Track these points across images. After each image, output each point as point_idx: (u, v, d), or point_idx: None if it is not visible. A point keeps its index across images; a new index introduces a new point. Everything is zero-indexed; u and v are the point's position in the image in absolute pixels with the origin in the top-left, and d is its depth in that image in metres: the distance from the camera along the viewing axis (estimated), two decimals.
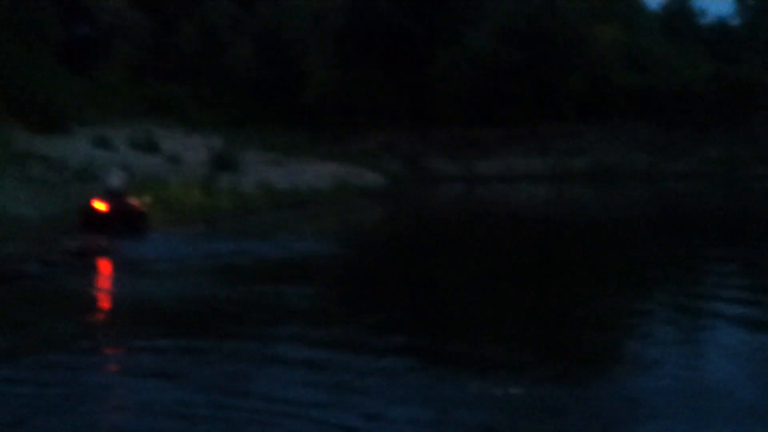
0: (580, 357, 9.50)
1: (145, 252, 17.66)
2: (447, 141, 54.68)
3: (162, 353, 9.67)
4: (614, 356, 9.67)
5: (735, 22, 75.86)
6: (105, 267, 16.20)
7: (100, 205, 18.67)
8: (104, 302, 13.39)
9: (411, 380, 8.33)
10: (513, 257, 17.90)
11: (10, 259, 15.60)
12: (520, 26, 58.43)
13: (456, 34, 59.50)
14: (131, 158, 29.68)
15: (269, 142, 39.77)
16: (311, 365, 8.86)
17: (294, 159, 37.60)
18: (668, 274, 15.10)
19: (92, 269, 15.68)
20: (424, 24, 65.62)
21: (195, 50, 65.44)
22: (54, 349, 9.64)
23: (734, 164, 48.51)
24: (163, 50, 66.08)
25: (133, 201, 19.69)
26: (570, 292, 13.94)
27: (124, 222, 18.64)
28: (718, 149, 50.95)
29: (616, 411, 7.43)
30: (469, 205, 35.63)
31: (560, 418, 7.22)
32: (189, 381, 8.48)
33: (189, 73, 62.01)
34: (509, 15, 59.10)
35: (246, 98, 59.71)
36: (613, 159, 51.57)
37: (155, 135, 35.12)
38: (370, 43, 62.38)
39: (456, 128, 55.38)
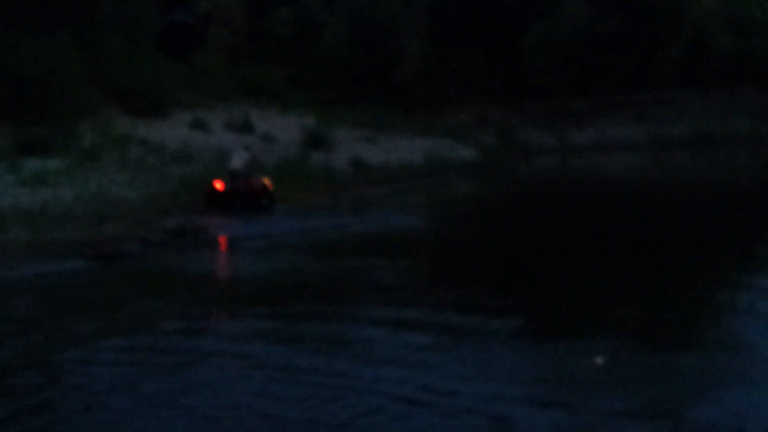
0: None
1: (243, 230, 18.29)
2: (541, 113, 53.98)
3: (261, 320, 10.25)
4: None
5: None
6: (203, 245, 16.73)
7: (218, 185, 20.00)
8: (203, 278, 13.88)
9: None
10: (604, 231, 17.74)
11: (110, 239, 16.37)
12: None
13: (550, 4, 58.55)
14: (226, 139, 30.43)
15: (361, 119, 40.09)
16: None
17: (386, 135, 37.84)
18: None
19: (190, 248, 16.27)
20: None
21: (289, 33, 66.27)
22: (159, 323, 10.24)
23: None
24: (258, 34, 67.16)
25: (257, 180, 20.64)
26: (663, 268, 13.77)
27: (246, 200, 19.81)
28: None
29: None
30: (561, 177, 35.25)
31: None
32: (294, 343, 9.02)
33: (283, 55, 62.84)
34: None
35: (339, 78, 60.14)
36: (714, 125, 50.04)
37: (250, 116, 35.90)
38: (462, 18, 61.94)
39: (550, 100, 54.65)
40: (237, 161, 20.88)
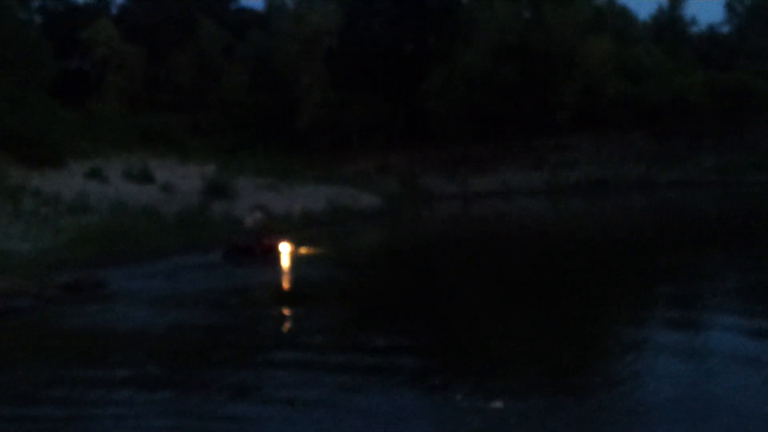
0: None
1: (137, 286, 17.74)
2: (442, 159, 54.71)
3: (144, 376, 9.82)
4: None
5: (725, 29, 76.10)
6: (99, 300, 16.12)
7: (235, 242, 21.90)
8: (95, 334, 13.32)
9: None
10: (505, 276, 17.83)
11: (2, 294, 15.63)
12: (511, 42, 58.57)
13: (448, 52, 59.62)
14: (125, 189, 29.74)
15: (263, 167, 39.80)
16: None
17: (288, 183, 37.61)
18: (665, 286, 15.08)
19: (86, 302, 15.67)
20: (416, 43, 65.90)
21: (188, 80, 65.71)
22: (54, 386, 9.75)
23: (728, 171, 48.42)
24: (156, 81, 66.36)
25: (267, 238, 22.37)
26: (554, 309, 13.87)
27: (256, 255, 21.39)
28: (712, 157, 50.88)
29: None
30: (464, 223, 35.57)
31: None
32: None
33: (183, 102, 62.23)
34: (501, 32, 59.23)
35: (241, 125, 59.80)
36: (608, 170, 51.58)
37: (149, 166, 35.19)
38: (362, 65, 62.59)
39: (450, 146, 55.46)
40: (249, 221, 22.94)
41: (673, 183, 48.53)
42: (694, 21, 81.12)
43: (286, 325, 13.10)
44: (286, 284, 18.07)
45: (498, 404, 8.19)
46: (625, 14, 69.81)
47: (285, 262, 21.29)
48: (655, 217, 32.70)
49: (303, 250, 22.94)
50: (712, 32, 76.02)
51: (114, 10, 76.37)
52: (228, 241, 22.24)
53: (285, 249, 22.60)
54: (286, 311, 14.52)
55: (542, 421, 7.73)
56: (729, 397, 8.09)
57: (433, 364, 10.22)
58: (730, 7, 74.65)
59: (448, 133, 56.49)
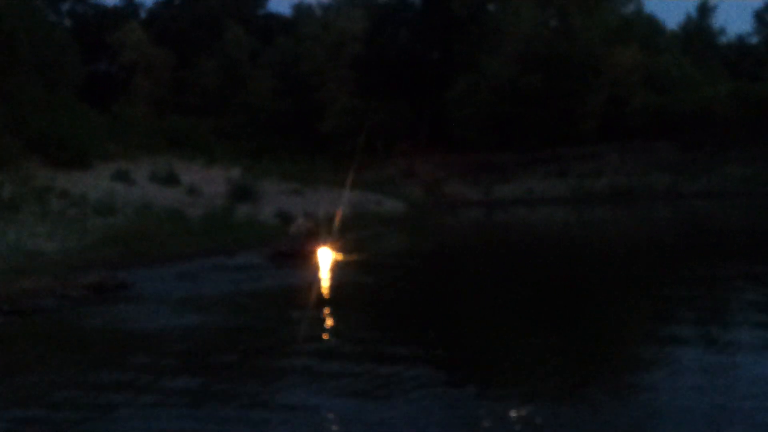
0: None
1: (161, 287, 17.85)
2: (466, 166, 54.67)
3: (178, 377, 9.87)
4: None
5: (753, 40, 75.60)
6: (123, 300, 16.23)
7: (281, 248, 22.96)
8: (118, 335, 13.42)
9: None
10: (528, 285, 17.77)
11: (28, 293, 15.79)
12: (537, 51, 58.47)
13: (474, 60, 59.60)
14: (151, 191, 29.95)
15: (288, 171, 39.98)
16: None
17: (312, 188, 37.72)
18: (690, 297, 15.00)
19: (110, 303, 15.78)
20: (441, 51, 65.93)
21: (215, 84, 66.15)
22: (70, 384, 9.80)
23: (755, 182, 48.01)
24: (183, 85, 66.87)
25: (309, 244, 23.16)
26: (570, 320, 13.84)
27: (299, 260, 22.17)
28: (738, 167, 50.46)
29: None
30: (486, 231, 35.45)
31: None
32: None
33: (209, 106, 62.68)
34: (527, 40, 59.15)
35: (266, 130, 60.16)
36: (634, 180, 51.31)
37: (175, 168, 35.44)
38: (388, 71, 62.73)
39: (475, 153, 55.45)
40: (294, 228, 24.01)
41: (698, 193, 48.18)
42: (722, 31, 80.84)
43: (303, 330, 13.08)
44: (312, 288, 18.08)
45: (514, 412, 8.19)
46: (652, 23, 69.60)
47: (323, 266, 21.37)
48: (680, 228, 32.45)
49: (340, 256, 23.14)
50: (740, 43, 75.55)
51: (143, 14, 77.14)
52: (273, 246, 23.28)
53: (324, 254, 23.09)
54: (307, 315, 14.52)
55: (557, 429, 7.72)
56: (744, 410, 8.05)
57: (449, 373, 10.17)
58: (759, 18, 74.19)
59: (473, 141, 56.51)
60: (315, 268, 20.98)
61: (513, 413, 8.17)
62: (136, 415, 8.60)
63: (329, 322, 13.88)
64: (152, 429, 8.22)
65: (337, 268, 21.12)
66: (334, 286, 18.34)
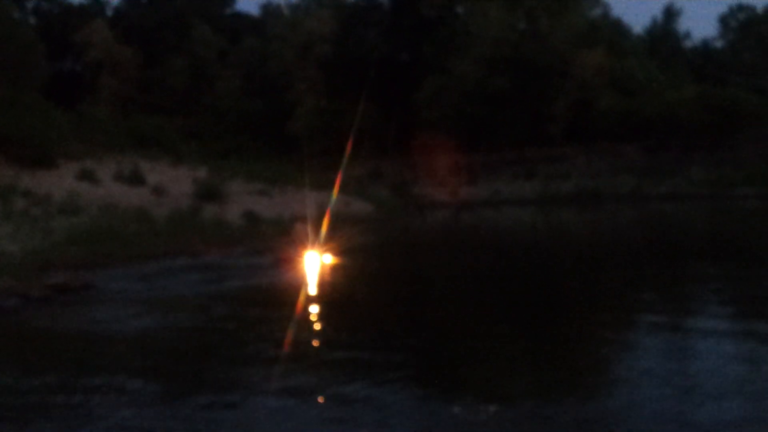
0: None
1: (125, 287, 17.70)
2: (434, 167, 54.80)
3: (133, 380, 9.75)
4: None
5: (719, 44, 76.56)
6: (87, 301, 16.07)
7: (284, 254, 22.91)
8: (79, 337, 13.26)
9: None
10: (496, 288, 17.81)
11: None
12: (505, 53, 58.76)
13: (442, 62, 59.81)
14: (116, 191, 29.71)
15: (256, 172, 39.79)
16: None
17: (280, 188, 37.60)
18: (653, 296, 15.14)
19: (73, 304, 15.61)
20: (410, 52, 66.08)
21: (182, 84, 65.77)
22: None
23: (718, 185, 48.61)
24: (150, 84, 66.41)
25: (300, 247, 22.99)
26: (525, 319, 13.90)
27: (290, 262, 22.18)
28: (702, 170, 51.11)
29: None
30: (454, 232, 35.56)
31: None
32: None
33: (176, 106, 62.31)
34: (495, 42, 59.41)
35: (234, 130, 59.93)
36: (600, 182, 51.78)
37: (141, 168, 35.16)
38: (356, 72, 62.67)
39: (443, 155, 55.55)
40: (293, 234, 24.03)
41: (663, 196, 48.71)
42: (688, 35, 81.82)
43: (266, 329, 12.98)
44: (278, 289, 17.98)
45: (492, 409, 8.19)
46: (619, 27, 70.23)
47: (308, 269, 21.26)
48: (645, 230, 32.74)
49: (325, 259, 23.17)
50: (705, 47, 76.48)
51: (109, 13, 76.50)
52: (275, 252, 23.50)
53: (311, 258, 22.93)
54: (269, 314, 14.41)
55: (535, 426, 7.73)
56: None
57: (425, 371, 10.12)
58: (724, 23, 75.15)
59: (441, 142, 56.62)
60: (293, 271, 20.92)
61: (480, 413, 8.16)
62: (92, 415, 8.48)
63: (291, 323, 13.81)
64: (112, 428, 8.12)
65: (317, 270, 21.04)
66: (300, 286, 18.29)
